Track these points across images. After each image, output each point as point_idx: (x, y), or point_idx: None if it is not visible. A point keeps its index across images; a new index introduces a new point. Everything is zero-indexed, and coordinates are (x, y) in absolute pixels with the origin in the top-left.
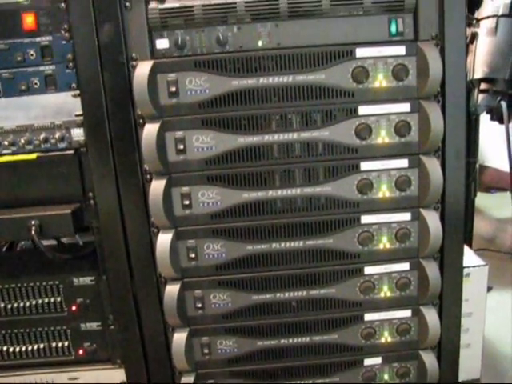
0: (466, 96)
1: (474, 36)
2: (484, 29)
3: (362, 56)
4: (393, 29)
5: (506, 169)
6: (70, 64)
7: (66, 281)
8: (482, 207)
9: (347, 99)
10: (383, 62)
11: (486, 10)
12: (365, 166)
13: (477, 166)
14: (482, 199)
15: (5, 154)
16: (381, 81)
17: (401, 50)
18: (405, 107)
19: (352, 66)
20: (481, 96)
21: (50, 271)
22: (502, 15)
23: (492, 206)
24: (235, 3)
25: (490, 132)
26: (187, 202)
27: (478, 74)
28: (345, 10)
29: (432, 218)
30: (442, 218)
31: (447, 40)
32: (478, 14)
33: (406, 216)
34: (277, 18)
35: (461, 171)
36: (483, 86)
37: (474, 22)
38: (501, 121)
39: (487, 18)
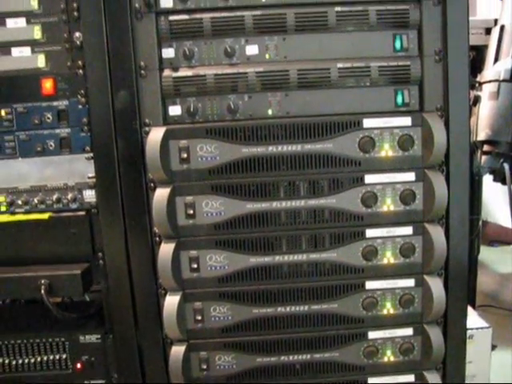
0: (470, 157)
1: (477, 99)
2: (486, 92)
3: (369, 126)
4: (399, 100)
5: (509, 225)
6: (85, 128)
7: (72, 338)
8: (485, 261)
9: (354, 168)
10: (389, 133)
11: (488, 73)
12: (370, 233)
13: (480, 223)
14: (484, 253)
15: (18, 213)
16: (387, 150)
17: (407, 120)
18: (410, 176)
19: (359, 135)
20: (484, 157)
21: (56, 327)
22: (504, 80)
23: (495, 260)
24: (246, 73)
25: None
26: (195, 266)
27: (481, 136)
28: (353, 81)
29: (436, 285)
30: (446, 284)
31: (451, 112)
32: (481, 78)
33: (409, 282)
34: (286, 87)
35: (464, 239)
36: (486, 147)
37: (477, 85)
38: (503, 182)
39: (489, 82)
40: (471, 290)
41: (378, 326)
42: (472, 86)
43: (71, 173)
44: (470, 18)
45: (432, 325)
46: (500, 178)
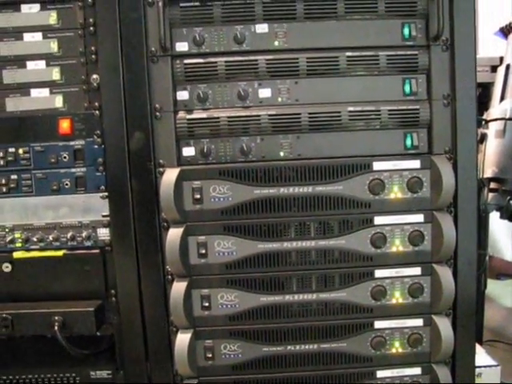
0: (477, 196)
1: (484, 137)
2: (493, 130)
3: (378, 169)
4: (408, 142)
5: None
6: (100, 167)
7: (83, 373)
8: (492, 295)
9: (364, 209)
10: (399, 175)
11: (494, 112)
12: (379, 273)
13: (487, 258)
14: (491, 286)
15: (33, 250)
16: (396, 192)
17: (416, 163)
18: (418, 218)
19: (369, 178)
20: (491, 195)
21: (67, 363)
22: (510, 118)
23: (502, 294)
24: (259, 116)
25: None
26: (207, 304)
27: (488, 173)
28: (363, 124)
29: (444, 325)
30: (454, 323)
31: (460, 154)
32: (487, 116)
33: (418, 322)
34: (298, 130)
35: (472, 279)
36: (493, 185)
37: (483, 123)
38: (510, 219)
39: (495, 120)
40: (478, 325)
41: (386, 365)
42: (478, 124)
43: (86, 211)
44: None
45: (440, 365)
46: (507, 215)
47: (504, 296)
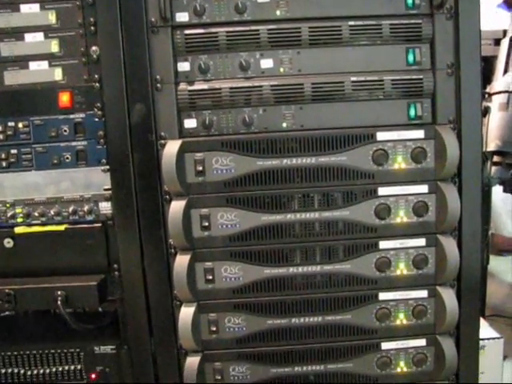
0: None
1: (487, 110)
2: (496, 103)
3: (382, 139)
4: (412, 113)
5: None
6: (101, 140)
7: (87, 349)
8: (494, 271)
9: (367, 180)
10: (403, 145)
11: (497, 85)
12: (383, 244)
13: (489, 233)
14: (493, 262)
15: (34, 225)
16: (400, 163)
17: (419, 133)
18: (423, 188)
19: (373, 148)
20: (494, 168)
21: (71, 338)
22: None
23: (504, 270)
24: (261, 86)
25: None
26: (210, 277)
27: (491, 146)
28: (366, 94)
29: (449, 296)
30: (459, 295)
31: (464, 124)
32: (490, 89)
33: (423, 293)
34: (301, 101)
35: (477, 250)
36: (496, 158)
37: (486, 96)
38: None
39: (499, 93)
40: (480, 299)
41: (391, 337)
42: (482, 97)
43: (87, 185)
44: None
45: (445, 336)
46: (510, 188)
47: (506, 272)
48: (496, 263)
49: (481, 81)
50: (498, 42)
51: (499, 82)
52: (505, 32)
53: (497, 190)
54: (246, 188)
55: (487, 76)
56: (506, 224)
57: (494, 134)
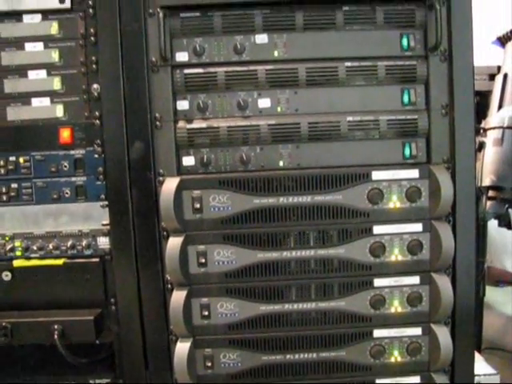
0: (476, 204)
1: (482, 145)
2: (491, 138)
3: (377, 178)
4: (407, 152)
5: None
6: (101, 176)
7: (82, 382)
8: (491, 302)
9: (363, 219)
10: (397, 185)
11: (492, 120)
12: (378, 282)
13: (485, 265)
14: (490, 293)
15: (33, 258)
16: (395, 202)
17: (414, 173)
18: (417, 227)
19: (368, 187)
20: (489, 203)
21: (67, 370)
22: (508, 127)
23: (501, 301)
24: (258, 125)
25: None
26: (206, 313)
27: (486, 181)
28: (362, 133)
29: (443, 333)
30: (453, 332)
31: (458, 164)
32: (485, 124)
33: (416, 331)
34: (298, 140)
35: (471, 288)
36: (491, 193)
37: (482, 131)
38: (509, 227)
39: (493, 128)
40: (476, 332)
41: (385, 374)
42: (477, 132)
43: (86, 220)
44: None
45: (439, 373)
46: (505, 223)
47: (503, 303)
48: (493, 294)
49: (475, 117)
50: (492, 77)
51: (494, 117)
52: (499, 68)
53: (494, 223)
54: (242, 225)
55: (482, 111)
56: (501, 257)
57: (489, 169)
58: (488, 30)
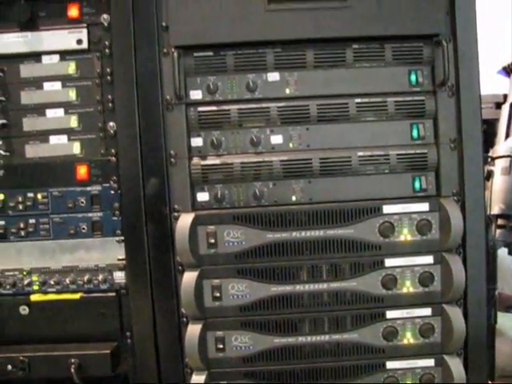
0: (485, 233)
1: (490, 174)
2: (499, 167)
3: (388, 212)
4: (417, 185)
5: None
6: (117, 212)
7: None
8: (503, 328)
9: (374, 252)
10: (408, 218)
11: (500, 149)
12: (390, 314)
13: (496, 293)
14: (502, 319)
15: (50, 293)
16: (406, 235)
17: (424, 206)
18: (428, 259)
19: (379, 221)
20: (498, 231)
21: None
22: None
23: None
24: (271, 161)
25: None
26: (221, 346)
27: (495, 210)
28: (372, 168)
29: (455, 365)
30: (466, 363)
31: (467, 196)
32: (493, 153)
33: (429, 362)
34: (309, 175)
35: (482, 318)
36: (500, 221)
37: (490, 160)
38: None
39: (501, 157)
40: (490, 360)
41: None
42: (485, 161)
43: (102, 255)
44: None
45: None
46: None
47: None
48: (504, 320)
49: (483, 150)
50: (499, 106)
51: (501, 146)
52: (505, 96)
53: (504, 249)
54: (256, 260)
55: (489, 139)
56: (510, 283)
57: (498, 198)
58: (494, 58)
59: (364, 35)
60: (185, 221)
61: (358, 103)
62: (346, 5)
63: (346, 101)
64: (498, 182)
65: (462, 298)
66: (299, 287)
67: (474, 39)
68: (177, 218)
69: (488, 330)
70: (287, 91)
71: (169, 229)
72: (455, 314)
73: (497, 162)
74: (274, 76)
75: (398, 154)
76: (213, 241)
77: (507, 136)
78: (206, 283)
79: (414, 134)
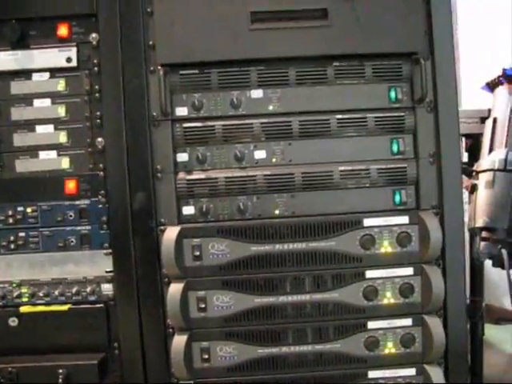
0: (470, 245)
1: (474, 187)
2: (483, 181)
3: (369, 225)
4: (397, 199)
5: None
6: (105, 225)
7: None
8: (493, 341)
9: (356, 264)
10: (388, 230)
11: (483, 163)
12: (372, 324)
13: (483, 304)
14: (491, 331)
15: (39, 304)
16: (386, 247)
17: (404, 219)
18: (408, 271)
19: (360, 234)
20: (482, 244)
21: None
22: (498, 169)
23: (502, 339)
24: (255, 176)
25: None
26: (206, 356)
27: (479, 223)
28: (354, 182)
29: (436, 374)
30: (446, 373)
31: (446, 209)
32: (477, 167)
33: (410, 371)
34: (292, 189)
35: (462, 329)
36: (484, 234)
37: (474, 174)
38: (503, 267)
39: (485, 171)
40: (478, 372)
41: None
42: (469, 175)
43: (90, 267)
44: (464, 109)
45: None
46: (499, 263)
47: (504, 341)
48: (492, 332)
49: (461, 166)
50: (483, 120)
51: (485, 160)
52: (489, 111)
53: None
54: (240, 272)
55: (474, 153)
56: (499, 295)
57: (482, 211)
58: (478, 73)
59: (344, 53)
60: (171, 234)
61: (339, 119)
62: (327, 24)
63: (327, 117)
64: (482, 196)
65: (442, 308)
66: (282, 298)
67: (451, 57)
68: (163, 231)
69: (476, 343)
70: (270, 108)
71: (155, 242)
72: (435, 323)
73: (480, 175)
74: (257, 93)
75: (378, 169)
76: (198, 253)
77: (491, 150)
78: (191, 294)
79: (394, 148)
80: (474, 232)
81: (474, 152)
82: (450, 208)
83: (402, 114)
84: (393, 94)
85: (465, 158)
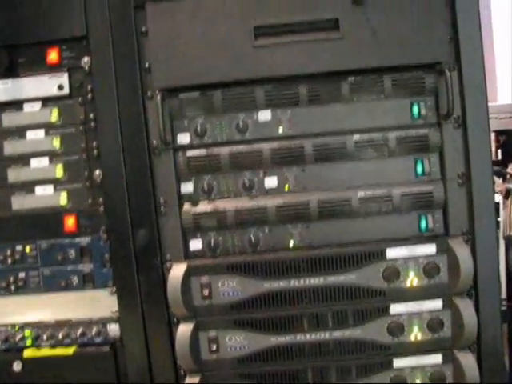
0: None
1: (509, 192)
2: None
3: (392, 257)
4: (423, 225)
5: None
6: (107, 264)
7: None
8: None
9: (378, 298)
10: (414, 262)
11: None
12: (398, 362)
13: None
14: None
15: (43, 347)
16: (412, 279)
17: (431, 248)
18: (437, 304)
19: (383, 266)
20: None
21: None
22: None
23: None
24: (266, 206)
25: None
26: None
27: None
28: (375, 209)
29: None
30: None
31: (478, 236)
32: None
33: None
34: (307, 219)
35: (498, 367)
36: None
37: (508, 176)
38: None
39: None
40: None
41: None
42: (504, 177)
43: (95, 307)
44: (498, 104)
45: None
46: None
47: None
48: None
49: (502, 155)
50: None
51: None
52: None
53: None
54: (253, 310)
55: (508, 152)
56: None
57: None
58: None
59: (359, 68)
60: (177, 272)
61: (356, 140)
62: (339, 36)
63: (343, 138)
64: None
65: (475, 343)
66: (300, 337)
67: (481, 65)
68: (169, 269)
69: None
70: (280, 130)
71: (161, 279)
72: (468, 361)
73: None
74: (265, 115)
75: (401, 193)
76: (207, 292)
77: None
78: (202, 335)
79: (419, 169)
80: (509, 239)
81: (509, 149)
82: (482, 234)
83: (427, 131)
84: (416, 110)
85: (498, 155)
